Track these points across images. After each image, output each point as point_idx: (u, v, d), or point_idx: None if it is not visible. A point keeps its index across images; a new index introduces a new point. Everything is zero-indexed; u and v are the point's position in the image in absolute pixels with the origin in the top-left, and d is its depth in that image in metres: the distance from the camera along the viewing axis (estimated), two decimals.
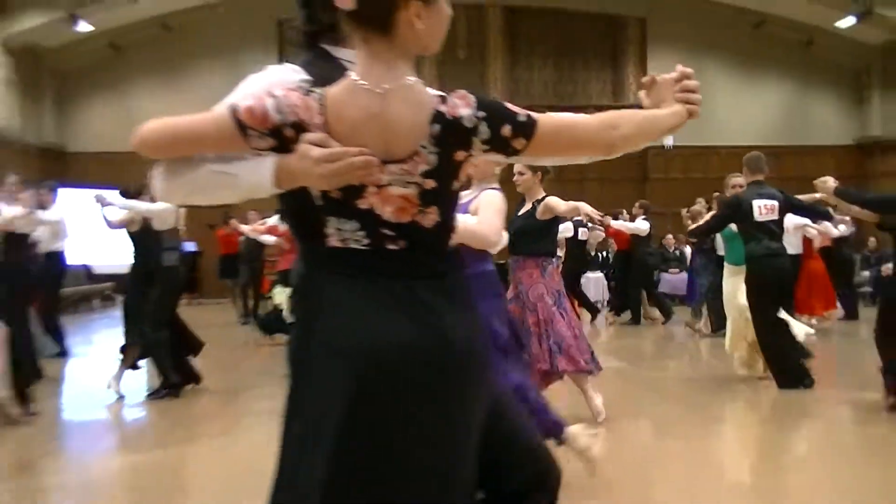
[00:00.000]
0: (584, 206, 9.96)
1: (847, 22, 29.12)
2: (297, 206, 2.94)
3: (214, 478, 7.83)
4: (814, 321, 18.22)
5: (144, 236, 11.27)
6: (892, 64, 30.37)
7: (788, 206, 11.99)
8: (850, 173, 27.49)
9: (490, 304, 5.71)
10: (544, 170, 9.52)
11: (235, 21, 31.95)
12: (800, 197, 12.54)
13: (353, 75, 2.85)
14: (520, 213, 9.64)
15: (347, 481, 2.79)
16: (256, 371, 14.46)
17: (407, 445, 2.79)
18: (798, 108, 31.51)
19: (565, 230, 16.01)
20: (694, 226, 14.19)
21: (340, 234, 2.86)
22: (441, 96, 2.85)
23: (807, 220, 15.22)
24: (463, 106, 2.82)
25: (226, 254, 24.10)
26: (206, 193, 2.96)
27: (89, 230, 16.00)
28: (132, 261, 11.46)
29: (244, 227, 22.09)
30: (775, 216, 11.70)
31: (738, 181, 12.42)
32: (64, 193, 17.17)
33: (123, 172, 11.94)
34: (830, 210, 14.07)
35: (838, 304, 20.27)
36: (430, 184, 2.82)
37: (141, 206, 11.27)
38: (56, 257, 15.28)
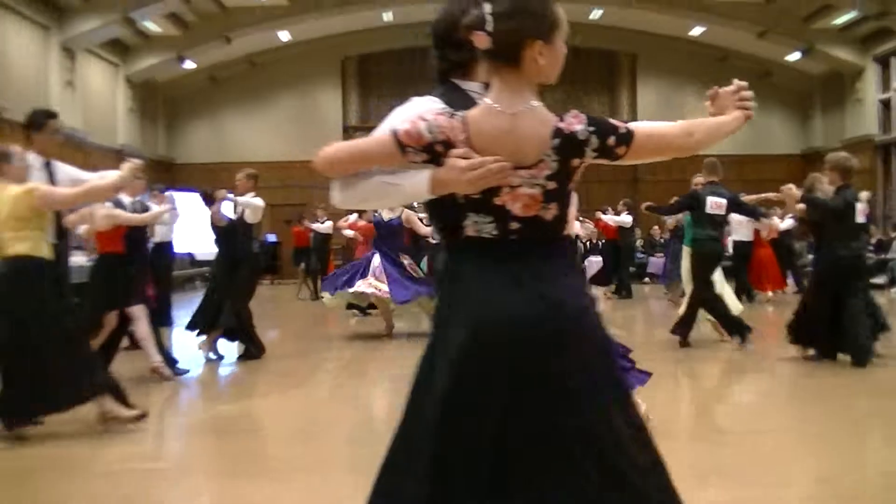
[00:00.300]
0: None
1: (794, 56, 29.20)
2: (442, 206, 2.97)
3: (290, 422, 7.81)
4: (769, 294, 18.70)
5: (236, 228, 11.22)
6: (830, 90, 30.41)
7: (734, 205, 12.20)
8: (798, 177, 27.13)
9: None
10: None
11: (307, 59, 31.99)
12: (750, 197, 13.07)
13: (488, 100, 2.93)
14: None
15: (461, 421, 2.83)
16: (323, 338, 14.47)
17: (527, 401, 2.80)
18: (757, 125, 31.18)
19: None
20: (654, 205, 14.21)
21: (476, 225, 2.91)
22: (559, 116, 2.92)
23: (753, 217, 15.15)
24: (577, 123, 2.90)
25: (298, 246, 24.14)
26: (375, 199, 3.21)
27: (192, 224, 16.04)
28: (222, 248, 11.38)
29: (314, 225, 22.18)
30: (722, 211, 11.93)
31: (699, 179, 12.65)
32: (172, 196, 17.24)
33: (217, 179, 11.94)
34: (764, 209, 14.69)
35: (790, 281, 20.42)
36: (552, 185, 2.88)
37: (252, 201, 11.25)
38: (167, 246, 15.29)
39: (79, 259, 15.62)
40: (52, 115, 8.01)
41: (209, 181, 16.46)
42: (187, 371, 10.08)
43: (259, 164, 21.10)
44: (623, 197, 24.07)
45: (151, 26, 27.46)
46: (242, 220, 11.25)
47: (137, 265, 9.81)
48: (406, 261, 13.34)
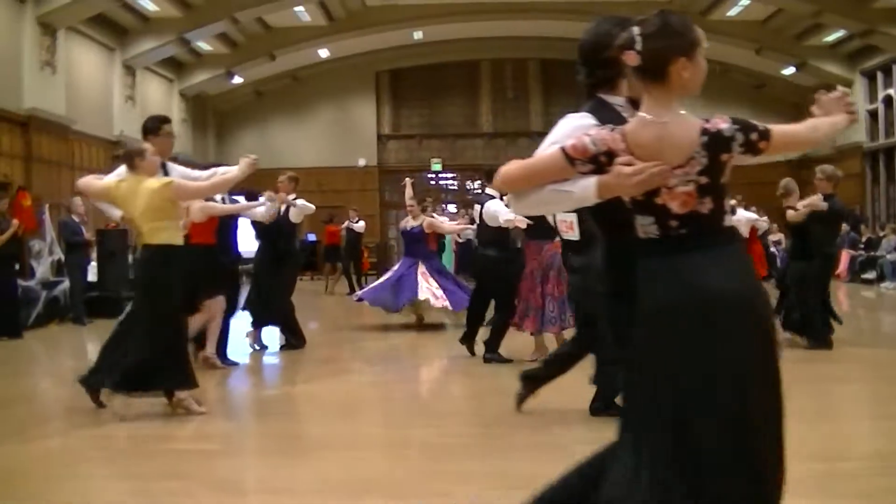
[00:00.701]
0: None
1: (788, 70, 29.21)
2: (608, 209, 3.10)
3: (330, 406, 7.79)
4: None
5: (280, 227, 11.14)
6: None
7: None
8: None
9: None
10: None
11: (344, 74, 32.00)
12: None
13: (641, 113, 3.03)
14: None
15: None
16: (359, 329, 14.45)
17: (696, 370, 2.91)
18: None
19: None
20: None
21: (642, 227, 3.04)
22: (705, 119, 3.01)
23: (755, 216, 15.09)
24: (722, 122, 2.99)
25: (329, 244, 24.08)
26: (548, 206, 3.32)
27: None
28: (266, 246, 11.29)
29: (354, 225, 22.09)
30: None
31: None
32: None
33: (261, 183, 11.91)
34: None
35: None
36: (704, 180, 2.96)
37: (307, 205, 11.22)
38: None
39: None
40: (166, 120, 8.12)
41: (254, 184, 16.47)
42: (237, 363, 10.04)
43: (300, 169, 21.04)
44: None
45: (203, 46, 27.59)
46: (287, 220, 11.22)
47: (227, 257, 9.84)
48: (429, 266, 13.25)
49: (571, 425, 6.72)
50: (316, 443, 6.56)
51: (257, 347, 11.25)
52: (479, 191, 13.37)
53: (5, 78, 18.37)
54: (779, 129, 3.06)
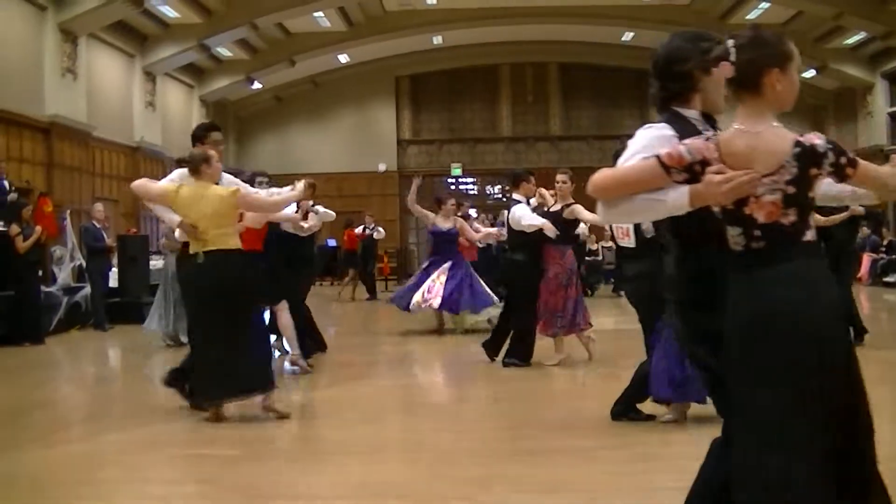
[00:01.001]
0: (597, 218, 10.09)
1: (809, 73, 29.02)
2: (692, 220, 3.15)
3: (350, 411, 7.77)
4: None
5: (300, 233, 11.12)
6: (842, 103, 30.35)
7: None
8: None
9: None
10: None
11: (364, 78, 32.11)
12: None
13: (735, 124, 3.11)
14: (550, 211, 9.57)
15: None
16: (378, 334, 14.46)
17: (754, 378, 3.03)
18: None
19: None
20: None
21: (732, 238, 3.10)
22: (799, 133, 3.08)
23: None
24: (816, 139, 3.04)
25: (348, 249, 24.06)
26: (640, 214, 3.29)
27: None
28: (283, 251, 11.25)
29: (374, 233, 22.04)
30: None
31: None
32: None
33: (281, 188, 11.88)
34: None
35: None
36: (791, 189, 2.99)
37: (328, 212, 11.21)
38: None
39: (157, 263, 15.78)
40: (214, 127, 8.15)
41: None
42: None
43: (320, 174, 21.15)
44: None
45: (223, 52, 27.74)
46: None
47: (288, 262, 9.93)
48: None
49: (593, 430, 6.69)
50: (336, 447, 6.55)
51: (277, 353, 11.24)
52: (504, 196, 13.32)
53: (27, 85, 18.50)
54: (863, 163, 3.10)
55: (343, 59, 30.52)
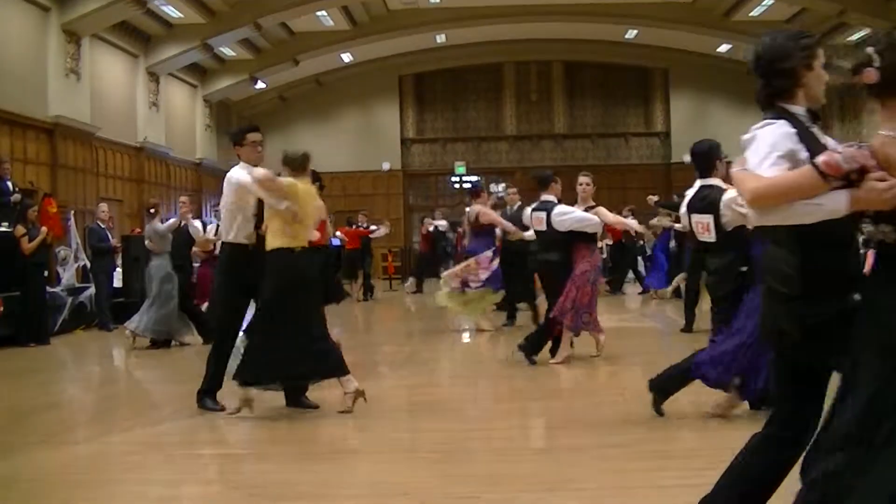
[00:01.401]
0: (629, 222, 11.51)
1: None
2: (839, 222, 3.19)
3: (354, 410, 7.76)
4: None
5: None
6: (847, 100, 30.21)
7: None
8: None
9: None
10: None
11: (368, 78, 32.11)
12: None
13: (883, 131, 3.11)
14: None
15: None
16: (381, 334, 14.45)
17: None
18: None
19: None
20: (662, 201, 14.52)
21: (883, 234, 3.14)
22: None
23: None
24: None
25: (349, 248, 23.95)
26: (798, 218, 3.22)
27: None
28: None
29: (375, 232, 21.98)
30: None
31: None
32: None
33: None
34: None
35: None
36: None
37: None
38: None
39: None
40: (251, 129, 8.33)
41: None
42: None
43: (324, 174, 21.03)
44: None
45: (227, 51, 27.73)
46: None
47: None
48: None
49: (598, 428, 6.69)
50: (341, 446, 6.56)
51: None
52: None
53: (31, 86, 18.51)
54: None
55: (347, 58, 30.53)
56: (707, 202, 6.76)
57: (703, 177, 6.97)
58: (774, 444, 3.51)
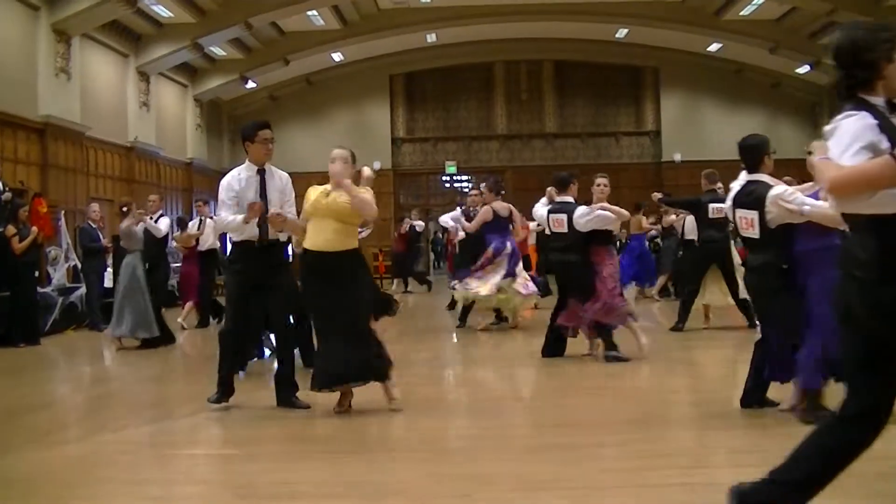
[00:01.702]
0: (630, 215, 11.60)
1: (803, 69, 29.25)
2: None
3: (352, 407, 7.74)
4: None
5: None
6: (836, 99, 30.28)
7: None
8: (808, 178, 27.28)
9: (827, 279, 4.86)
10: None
11: (359, 77, 32.07)
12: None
13: None
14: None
15: None
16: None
17: None
18: (769, 132, 30.89)
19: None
20: (667, 198, 14.63)
21: None
22: None
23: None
24: None
25: None
26: (874, 209, 3.32)
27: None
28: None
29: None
30: (722, 215, 11.35)
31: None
32: None
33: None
34: None
35: None
36: None
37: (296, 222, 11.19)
38: (216, 253, 15.29)
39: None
40: (262, 125, 8.26)
41: None
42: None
43: (315, 173, 21.06)
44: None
45: (217, 51, 27.71)
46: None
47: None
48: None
49: (590, 427, 6.71)
50: (335, 446, 6.55)
51: (269, 351, 11.19)
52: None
53: (21, 85, 18.46)
54: None
55: (337, 57, 30.50)
56: (753, 197, 6.66)
57: (750, 171, 6.84)
58: (850, 426, 3.56)
